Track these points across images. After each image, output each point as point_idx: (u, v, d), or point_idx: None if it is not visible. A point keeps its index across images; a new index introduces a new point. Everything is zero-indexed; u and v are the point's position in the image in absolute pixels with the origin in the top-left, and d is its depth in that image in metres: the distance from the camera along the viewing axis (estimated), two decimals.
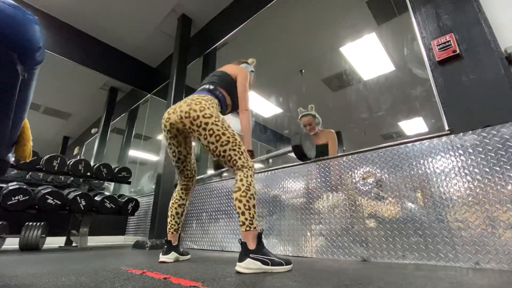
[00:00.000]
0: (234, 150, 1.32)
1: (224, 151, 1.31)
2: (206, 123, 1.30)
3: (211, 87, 1.53)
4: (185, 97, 3.71)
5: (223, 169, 2.06)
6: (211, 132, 1.30)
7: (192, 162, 1.64)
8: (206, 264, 1.44)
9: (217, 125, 1.31)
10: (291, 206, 2.05)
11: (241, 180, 1.27)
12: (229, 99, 1.57)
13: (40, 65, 0.77)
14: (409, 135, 6.02)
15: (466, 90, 1.48)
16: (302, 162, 2.13)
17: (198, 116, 1.30)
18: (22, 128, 0.86)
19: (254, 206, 1.23)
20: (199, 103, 1.34)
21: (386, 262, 1.44)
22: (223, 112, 1.57)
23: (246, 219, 1.18)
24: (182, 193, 1.65)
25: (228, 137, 1.32)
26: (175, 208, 1.62)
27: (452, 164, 1.37)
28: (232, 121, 1.63)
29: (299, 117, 2.64)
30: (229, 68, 1.70)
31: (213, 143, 1.31)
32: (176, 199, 1.64)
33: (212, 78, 1.63)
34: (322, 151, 2.34)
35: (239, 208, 1.21)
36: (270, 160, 2.25)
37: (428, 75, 1.67)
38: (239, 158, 1.32)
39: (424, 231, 1.37)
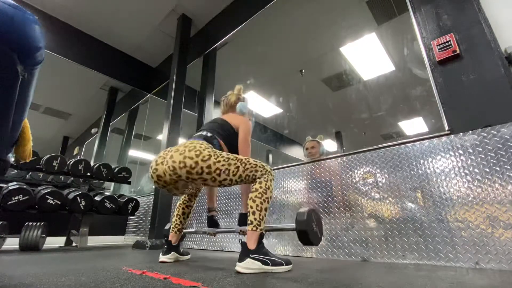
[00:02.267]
0: (247, 169, 1.26)
1: (240, 176, 1.25)
2: (209, 166, 1.20)
3: (209, 134, 1.43)
4: (185, 97, 3.67)
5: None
6: (218, 171, 1.21)
7: (199, 186, 1.57)
8: (206, 264, 1.44)
9: (219, 161, 1.22)
10: (291, 206, 2.05)
11: (260, 183, 1.25)
12: (226, 149, 1.46)
13: (40, 65, 0.77)
14: (409, 135, 6.02)
15: (466, 90, 1.48)
16: (302, 162, 2.13)
17: (196, 163, 1.19)
18: (22, 128, 0.86)
19: (266, 209, 1.22)
20: (193, 148, 1.22)
21: (386, 262, 1.44)
22: None
23: (255, 219, 1.18)
24: (191, 195, 1.67)
25: (235, 163, 1.25)
26: (182, 208, 1.63)
27: (452, 164, 1.37)
28: (232, 117, 1.58)
29: (305, 142, 2.57)
30: (231, 118, 1.60)
31: (225, 179, 1.24)
32: (185, 200, 1.65)
33: (212, 125, 1.54)
34: None
35: (251, 207, 1.20)
36: (270, 160, 2.23)
37: (428, 75, 1.67)
38: (256, 171, 1.28)
39: (424, 231, 1.37)
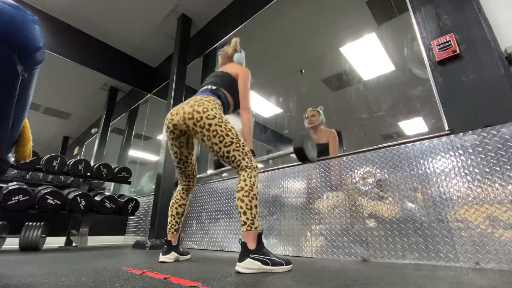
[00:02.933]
0: (238, 150, 1.31)
1: (228, 151, 1.31)
2: (210, 124, 1.30)
3: (213, 87, 1.53)
4: (185, 97, 3.69)
5: (223, 169, 2.04)
6: (214, 133, 1.30)
7: (193, 163, 1.64)
8: (206, 264, 1.44)
9: (220, 126, 1.31)
10: (291, 206, 2.05)
11: (244, 180, 1.27)
12: (231, 98, 1.57)
13: (40, 65, 0.77)
14: (409, 135, 6.02)
15: (466, 90, 1.48)
16: (302, 162, 2.13)
17: (201, 118, 1.30)
18: (22, 128, 0.86)
19: (256, 206, 1.22)
20: (202, 104, 1.34)
21: (386, 262, 1.44)
22: (226, 112, 1.57)
23: (247, 218, 1.18)
24: (183, 193, 1.65)
25: (232, 138, 1.32)
26: (176, 208, 1.62)
27: (452, 164, 1.37)
28: (233, 121, 1.63)
29: (306, 113, 2.74)
30: (230, 68, 1.69)
31: (216, 144, 1.31)
32: (177, 199, 1.64)
33: (214, 78, 1.63)
34: (323, 150, 2.34)
35: (241, 207, 1.21)
36: (270, 160, 2.23)
37: (428, 75, 1.67)
38: (243, 159, 1.31)
39: (424, 231, 1.37)
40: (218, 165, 1.97)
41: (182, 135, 1.45)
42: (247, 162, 1.31)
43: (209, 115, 1.31)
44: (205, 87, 1.56)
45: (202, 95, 1.44)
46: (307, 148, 1.54)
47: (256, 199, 1.24)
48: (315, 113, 2.65)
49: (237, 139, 1.33)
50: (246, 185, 1.25)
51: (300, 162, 2.13)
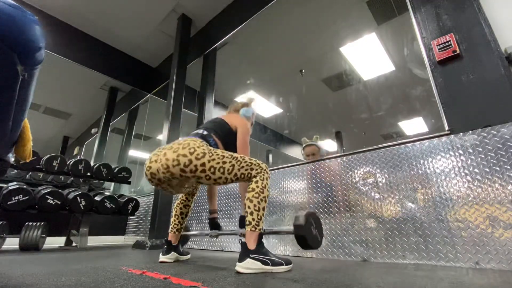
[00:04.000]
0: (242, 167, 1.25)
1: (235, 175, 1.24)
2: (203, 164, 1.18)
3: (205, 133, 1.42)
4: (185, 97, 3.67)
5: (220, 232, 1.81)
6: (212, 170, 1.20)
7: (194, 184, 1.56)
8: (206, 264, 1.44)
9: (214, 159, 1.21)
10: (291, 206, 2.04)
11: (256, 182, 1.25)
12: (222, 147, 1.45)
13: (40, 65, 0.77)
14: (409, 135, 6.03)
15: (466, 90, 1.48)
16: (302, 162, 2.13)
17: (190, 161, 1.17)
18: (22, 128, 0.86)
19: (264, 208, 1.22)
20: (187, 146, 1.21)
21: (386, 262, 1.44)
22: None
23: (253, 219, 1.18)
24: (188, 195, 1.67)
25: (231, 161, 1.24)
26: (180, 208, 1.62)
27: (452, 164, 1.37)
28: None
29: (303, 147, 2.49)
30: (230, 118, 1.58)
31: (221, 178, 1.23)
32: (182, 199, 1.65)
33: (208, 124, 1.53)
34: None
35: (249, 207, 1.20)
36: (270, 160, 2.22)
37: (428, 75, 1.67)
38: (252, 169, 1.27)
39: (424, 231, 1.37)
40: (213, 226, 1.82)
41: (162, 183, 1.28)
42: (256, 170, 1.27)
43: (198, 154, 1.19)
44: (196, 131, 1.46)
45: (188, 138, 1.32)
46: (310, 234, 1.21)
47: (266, 201, 1.23)
48: (314, 150, 2.35)
49: (235, 158, 1.26)
50: (257, 186, 1.23)
51: (300, 162, 2.13)
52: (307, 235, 1.17)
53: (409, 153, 1.55)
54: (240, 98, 1.66)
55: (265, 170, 1.29)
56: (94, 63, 4.32)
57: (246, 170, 1.26)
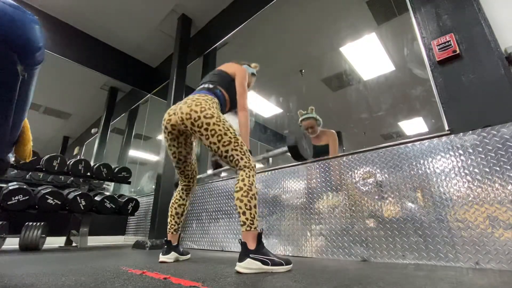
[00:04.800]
0: (236, 150, 1.31)
1: (226, 151, 1.31)
2: (208, 124, 1.30)
3: (211, 86, 1.52)
4: (185, 97, 3.71)
5: (221, 169, 2.03)
6: (212, 132, 1.30)
7: (193, 162, 1.64)
8: (206, 264, 1.44)
9: (218, 125, 1.31)
10: (291, 206, 2.04)
11: (242, 180, 1.26)
12: (228, 97, 1.56)
13: (40, 65, 0.77)
14: (409, 135, 6.02)
15: (466, 90, 1.48)
16: (302, 162, 2.13)
17: (199, 117, 1.30)
18: (22, 128, 0.86)
19: (255, 206, 1.22)
20: (199, 104, 1.33)
21: (386, 262, 1.44)
22: (223, 111, 1.57)
23: (246, 219, 1.18)
24: (183, 193, 1.65)
25: (230, 137, 1.31)
26: (175, 208, 1.62)
27: (452, 164, 1.37)
28: (231, 120, 1.63)
29: (300, 120, 2.58)
30: (228, 67, 1.69)
31: (215, 143, 1.31)
32: (176, 199, 1.64)
33: (212, 77, 1.63)
34: (323, 152, 2.32)
35: (240, 208, 1.21)
36: (270, 160, 2.23)
37: (428, 75, 1.67)
38: (241, 158, 1.31)
39: (424, 231, 1.37)
40: (216, 165, 1.96)
41: (180, 135, 1.44)
42: (245, 162, 1.31)
43: (207, 114, 1.31)
44: (202, 86, 1.56)
45: (200, 94, 1.44)
46: (301, 146, 1.52)
47: (255, 199, 1.24)
48: (312, 123, 2.48)
49: (235, 138, 1.33)
50: (244, 185, 1.24)
51: (300, 162, 2.13)
52: (298, 145, 1.45)
53: (409, 153, 1.55)
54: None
55: (253, 167, 1.33)
56: (94, 63, 4.32)
57: (238, 155, 1.31)
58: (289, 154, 1.76)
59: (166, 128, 1.41)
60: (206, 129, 1.30)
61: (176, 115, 1.36)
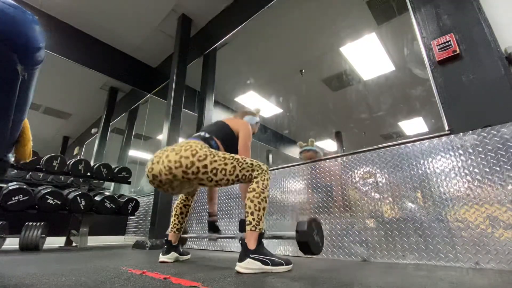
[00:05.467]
0: (244, 168, 1.26)
1: (237, 176, 1.24)
2: (205, 166, 1.19)
3: (207, 135, 1.44)
4: (185, 97, 3.66)
5: (218, 235, 1.82)
6: (214, 171, 1.21)
7: (195, 187, 1.57)
8: (206, 264, 1.44)
9: (216, 161, 1.21)
10: (291, 206, 2.04)
11: (257, 182, 1.25)
12: (223, 150, 1.45)
13: (40, 65, 0.77)
14: (409, 135, 6.03)
15: (466, 90, 1.48)
16: (302, 162, 2.13)
17: (192, 163, 1.18)
18: (22, 128, 0.86)
19: (264, 208, 1.22)
20: (189, 148, 1.21)
21: (386, 262, 1.44)
22: None
23: (253, 219, 1.18)
24: (188, 194, 1.67)
25: (232, 163, 1.24)
26: (180, 208, 1.63)
27: (452, 164, 1.37)
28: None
29: (300, 152, 2.52)
30: (232, 122, 1.59)
31: (222, 179, 1.23)
32: (182, 199, 1.65)
33: (210, 127, 1.55)
34: None
35: (249, 207, 1.20)
36: (270, 160, 2.22)
37: (428, 75, 1.67)
38: (253, 170, 1.27)
39: (424, 231, 1.37)
40: (213, 228, 1.83)
41: (163, 185, 1.28)
42: (257, 172, 1.27)
43: (200, 156, 1.19)
44: (198, 134, 1.48)
45: (190, 140, 1.33)
46: (312, 241, 1.24)
47: (266, 201, 1.23)
48: (312, 155, 2.32)
49: (236, 160, 1.26)
50: (258, 186, 1.23)
51: (299, 162, 2.13)
52: (309, 241, 1.19)
53: (409, 153, 1.55)
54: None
55: (266, 171, 1.30)
56: (94, 63, 4.32)
57: (248, 171, 1.26)
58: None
59: (148, 177, 1.27)
60: (205, 173, 1.19)
61: (161, 164, 1.21)
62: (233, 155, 1.29)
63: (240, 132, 1.52)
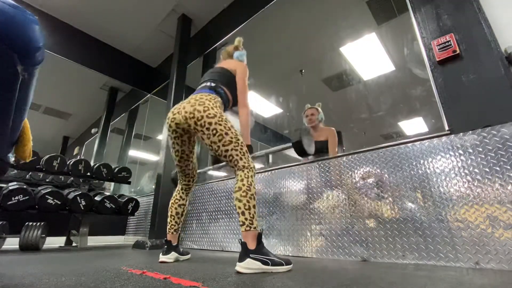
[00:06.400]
0: (236, 150, 1.32)
1: (226, 150, 1.32)
2: (210, 123, 1.31)
3: (213, 84, 1.53)
4: (185, 97, 3.69)
5: (221, 164, 2.03)
6: (214, 131, 1.31)
7: (194, 161, 1.65)
8: (206, 264, 1.44)
9: (220, 124, 1.32)
10: (291, 206, 2.04)
11: (241, 180, 1.27)
12: (230, 94, 1.57)
13: (40, 65, 0.77)
14: (409, 135, 6.02)
15: (466, 90, 1.48)
16: (302, 162, 2.13)
17: (202, 117, 1.31)
18: (22, 128, 0.86)
19: (254, 206, 1.23)
20: (203, 103, 1.35)
21: (386, 262, 1.44)
22: (225, 108, 1.58)
23: (246, 219, 1.18)
24: (183, 193, 1.66)
25: (231, 137, 1.32)
26: (175, 208, 1.62)
27: (452, 164, 1.37)
28: (232, 119, 1.63)
29: (305, 110, 2.70)
30: (228, 63, 1.70)
31: (215, 143, 1.32)
32: (176, 199, 1.64)
33: (213, 74, 1.64)
34: (322, 148, 2.34)
35: (239, 208, 1.21)
36: (270, 160, 2.23)
37: (428, 75, 1.67)
38: (241, 159, 1.32)
39: (424, 231, 1.37)
40: (216, 160, 1.95)
41: (184, 134, 1.46)
42: (244, 162, 1.32)
43: (209, 113, 1.32)
44: (204, 84, 1.56)
45: (202, 93, 1.44)
46: (304, 141, 1.61)
47: (254, 199, 1.24)
48: (314, 111, 2.61)
49: (236, 139, 1.34)
50: (243, 185, 1.25)
51: (299, 162, 2.13)
52: (302, 141, 1.57)
53: (409, 153, 1.55)
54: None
55: (252, 168, 1.34)
56: (94, 63, 4.32)
57: (237, 155, 1.33)
58: (292, 154, 1.81)
59: (171, 126, 1.42)
60: (208, 129, 1.31)
61: (180, 114, 1.37)
62: (237, 134, 1.37)
63: (237, 71, 1.64)
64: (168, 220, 1.61)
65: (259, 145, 6.44)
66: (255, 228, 1.18)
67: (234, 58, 1.81)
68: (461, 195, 1.31)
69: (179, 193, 1.65)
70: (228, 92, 1.56)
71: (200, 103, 1.35)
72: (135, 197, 3.38)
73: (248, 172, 1.30)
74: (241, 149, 1.34)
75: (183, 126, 1.38)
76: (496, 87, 1.38)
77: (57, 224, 3.07)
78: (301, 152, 1.65)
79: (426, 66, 1.69)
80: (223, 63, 1.74)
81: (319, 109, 2.65)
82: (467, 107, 1.45)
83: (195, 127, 1.34)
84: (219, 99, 1.47)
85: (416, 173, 1.49)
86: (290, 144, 1.78)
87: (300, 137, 1.73)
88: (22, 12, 0.66)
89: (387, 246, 1.47)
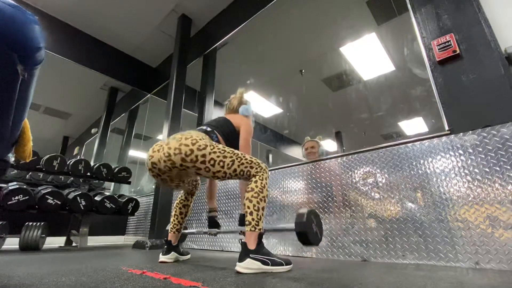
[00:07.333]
0: (242, 164, 1.26)
1: (234, 170, 1.24)
2: (204, 155, 1.19)
3: (208, 129, 1.46)
4: (185, 97, 3.66)
5: (217, 230, 1.79)
6: (212, 162, 1.21)
7: (192, 178, 1.58)
8: (206, 264, 1.44)
9: (215, 152, 1.22)
10: (291, 206, 2.05)
11: (255, 181, 1.25)
12: (224, 144, 1.46)
13: (40, 65, 0.77)
14: (409, 135, 6.03)
15: (466, 90, 1.48)
16: (302, 162, 2.13)
17: (191, 151, 1.18)
18: (22, 128, 0.86)
19: (263, 208, 1.22)
20: (190, 137, 1.23)
21: (386, 262, 1.44)
22: None
23: (253, 219, 1.18)
24: (188, 194, 1.67)
25: (231, 156, 1.25)
26: (180, 208, 1.63)
27: (452, 164, 1.37)
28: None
29: (304, 143, 2.53)
30: (234, 118, 1.61)
31: (220, 171, 1.23)
32: (181, 199, 1.65)
33: (213, 122, 1.57)
34: None
35: (248, 207, 1.20)
36: (270, 160, 2.22)
37: (428, 75, 1.67)
38: (251, 167, 1.27)
39: (424, 231, 1.37)
40: (212, 223, 1.80)
41: (162, 174, 1.28)
42: (256, 169, 1.27)
43: (199, 145, 1.20)
44: (199, 128, 1.49)
45: (192, 131, 1.34)
46: (311, 232, 1.25)
47: (265, 201, 1.23)
48: (314, 144, 2.42)
49: (236, 154, 1.27)
50: (256, 186, 1.23)
51: (299, 162, 2.13)
52: (308, 231, 1.19)
53: (409, 153, 1.55)
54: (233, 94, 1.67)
55: (264, 169, 1.30)
56: (94, 63, 4.32)
57: (246, 167, 1.26)
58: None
59: (147, 165, 1.28)
60: (203, 162, 1.20)
61: (161, 152, 1.23)
62: (233, 149, 1.29)
63: (242, 128, 1.55)
64: (171, 219, 1.62)
65: (259, 145, 6.44)
66: (259, 229, 1.18)
67: (239, 114, 1.69)
68: (461, 195, 1.31)
69: (184, 195, 1.66)
70: (223, 142, 1.46)
71: (187, 137, 1.23)
72: (135, 197, 3.38)
73: (262, 174, 1.27)
74: (246, 160, 1.28)
75: (160, 167, 1.22)
76: (496, 87, 1.38)
77: (57, 224, 3.07)
78: (306, 243, 1.24)
79: (426, 66, 1.69)
80: (229, 116, 1.64)
81: (320, 142, 2.47)
82: (467, 107, 1.46)
83: (182, 164, 1.19)
84: (209, 139, 1.34)
85: (416, 173, 1.49)
86: (291, 226, 1.30)
87: (306, 227, 1.22)
88: (22, 12, 0.66)
89: (387, 246, 1.47)
